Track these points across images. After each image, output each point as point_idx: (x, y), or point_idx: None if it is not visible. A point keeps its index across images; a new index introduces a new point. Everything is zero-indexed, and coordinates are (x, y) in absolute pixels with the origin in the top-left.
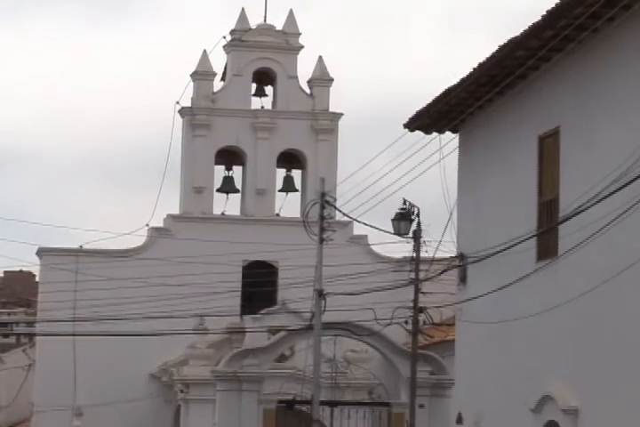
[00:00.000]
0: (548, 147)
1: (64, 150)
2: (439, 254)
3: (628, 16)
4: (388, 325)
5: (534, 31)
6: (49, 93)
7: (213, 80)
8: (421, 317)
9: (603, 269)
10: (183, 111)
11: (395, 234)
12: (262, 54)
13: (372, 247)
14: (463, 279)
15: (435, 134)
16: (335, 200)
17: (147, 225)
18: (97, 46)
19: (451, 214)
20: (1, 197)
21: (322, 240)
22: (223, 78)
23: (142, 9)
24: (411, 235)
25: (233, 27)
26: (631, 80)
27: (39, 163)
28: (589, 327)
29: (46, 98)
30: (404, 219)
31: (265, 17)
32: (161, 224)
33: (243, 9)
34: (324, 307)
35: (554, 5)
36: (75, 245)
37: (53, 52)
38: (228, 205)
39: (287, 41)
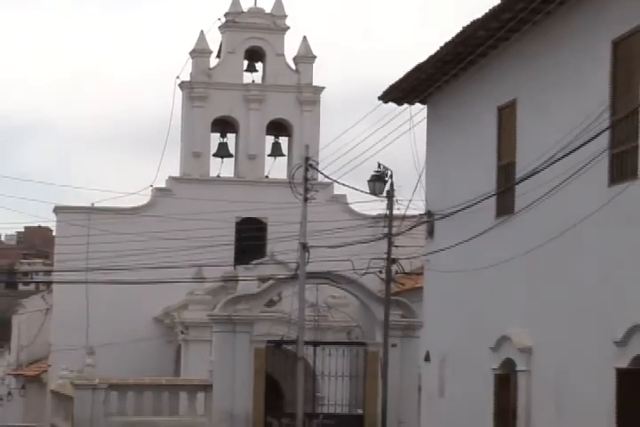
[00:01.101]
0: (506, 116)
1: (79, 122)
2: (410, 212)
3: (577, 0)
4: (365, 274)
5: (494, 14)
6: (63, 73)
7: (209, 57)
8: (394, 267)
9: (554, 225)
10: (183, 85)
11: (370, 194)
12: (253, 34)
13: (351, 206)
14: (431, 233)
15: (406, 106)
16: (318, 164)
17: (151, 186)
18: (107, 28)
19: (420, 176)
20: (24, 163)
21: (306, 199)
22: (218, 56)
23: None
24: (384, 194)
25: (227, 10)
26: (579, 57)
27: (57, 133)
28: (542, 276)
29: (61, 77)
30: (379, 180)
31: (255, 1)
32: (163, 185)
33: None
34: (308, 258)
35: None
36: (87, 204)
37: (67, 35)
38: (222, 168)
39: (275, 22)
